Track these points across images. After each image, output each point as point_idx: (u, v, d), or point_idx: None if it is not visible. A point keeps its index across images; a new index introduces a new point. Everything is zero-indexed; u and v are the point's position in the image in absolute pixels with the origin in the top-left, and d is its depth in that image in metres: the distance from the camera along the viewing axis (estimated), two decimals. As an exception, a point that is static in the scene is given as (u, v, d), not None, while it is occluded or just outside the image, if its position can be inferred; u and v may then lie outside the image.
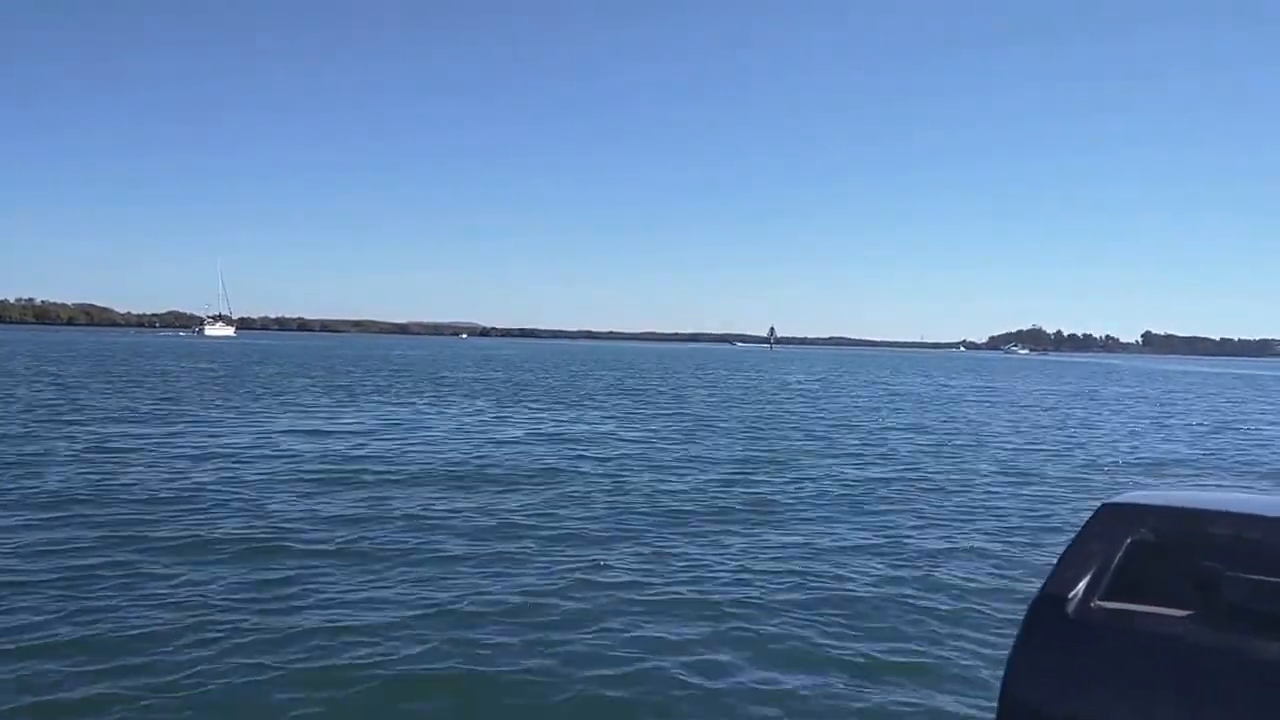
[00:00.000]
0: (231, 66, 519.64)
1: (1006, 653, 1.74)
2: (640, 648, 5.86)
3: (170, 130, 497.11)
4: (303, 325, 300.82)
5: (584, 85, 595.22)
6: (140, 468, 12.27)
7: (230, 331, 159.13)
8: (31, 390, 25.65)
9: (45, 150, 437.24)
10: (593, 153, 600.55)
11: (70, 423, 17.60)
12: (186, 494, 10.42)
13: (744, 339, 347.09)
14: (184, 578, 7.15)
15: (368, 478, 11.95)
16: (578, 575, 7.45)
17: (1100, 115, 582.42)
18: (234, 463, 12.97)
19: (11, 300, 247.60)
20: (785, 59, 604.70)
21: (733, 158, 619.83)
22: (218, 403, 23.36)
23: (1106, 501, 1.94)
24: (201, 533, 8.57)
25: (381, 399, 26.84)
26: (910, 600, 7.04)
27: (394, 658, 5.58)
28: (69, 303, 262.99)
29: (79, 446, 14.08)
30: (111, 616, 6.20)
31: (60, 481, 11.00)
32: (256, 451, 14.19)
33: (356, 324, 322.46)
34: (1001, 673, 1.73)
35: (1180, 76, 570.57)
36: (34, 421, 17.56)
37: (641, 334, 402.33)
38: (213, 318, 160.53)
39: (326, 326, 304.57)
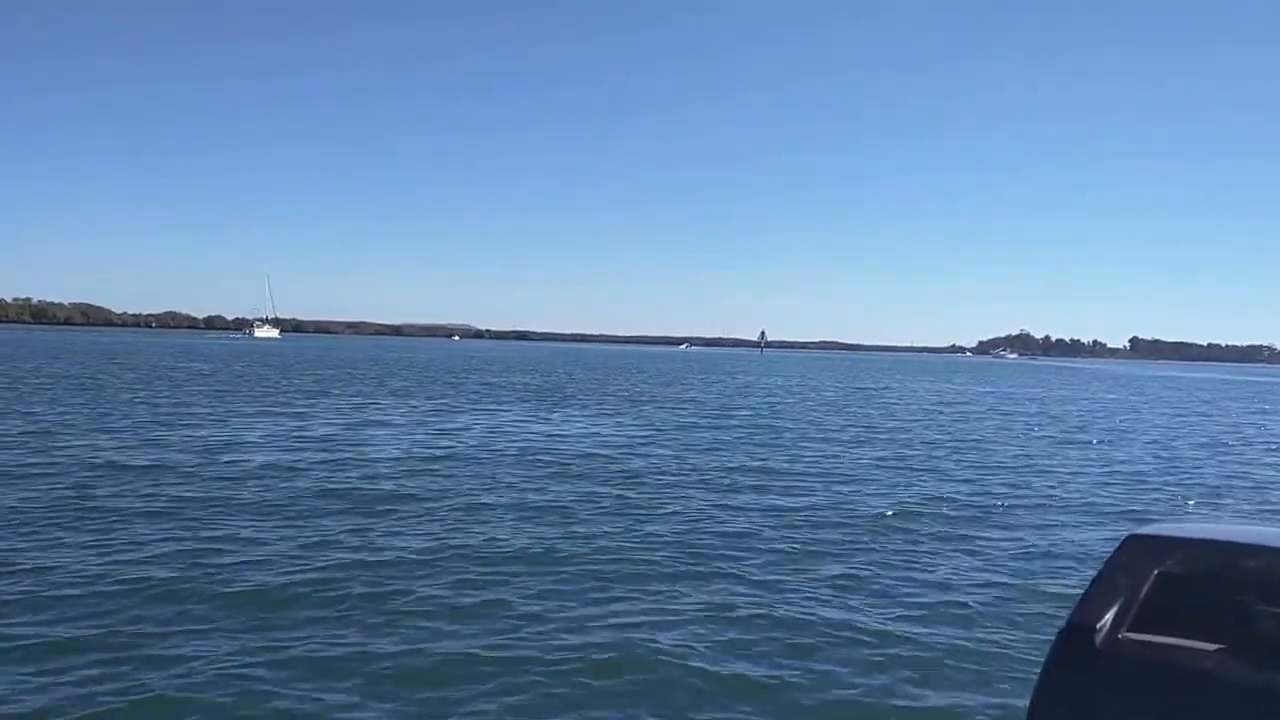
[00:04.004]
0: (224, 67, 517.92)
1: (1032, 682, 1.76)
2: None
3: (162, 129, 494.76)
4: (297, 326, 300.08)
5: (576, 87, 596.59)
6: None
7: (276, 334, 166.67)
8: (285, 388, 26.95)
9: (41, 147, 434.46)
10: (584, 154, 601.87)
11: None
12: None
13: (737, 342, 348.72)
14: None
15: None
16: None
17: (1089, 121, 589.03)
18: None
19: (9, 300, 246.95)
20: (777, 63, 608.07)
21: (724, 161, 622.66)
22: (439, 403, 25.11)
23: (1131, 533, 1.96)
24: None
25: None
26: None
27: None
28: (65, 302, 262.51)
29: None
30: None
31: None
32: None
33: (350, 325, 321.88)
34: (1026, 703, 1.75)
35: (1171, 84, 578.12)
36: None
37: (634, 337, 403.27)
38: (261, 321, 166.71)
39: (321, 328, 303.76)
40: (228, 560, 8.03)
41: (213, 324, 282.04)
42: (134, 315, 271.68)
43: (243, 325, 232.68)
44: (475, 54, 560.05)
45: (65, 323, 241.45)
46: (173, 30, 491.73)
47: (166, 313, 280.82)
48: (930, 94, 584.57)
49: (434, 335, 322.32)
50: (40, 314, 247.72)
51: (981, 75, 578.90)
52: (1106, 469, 16.98)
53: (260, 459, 14.20)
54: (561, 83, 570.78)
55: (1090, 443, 22.04)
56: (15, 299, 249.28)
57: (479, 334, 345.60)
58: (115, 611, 6.54)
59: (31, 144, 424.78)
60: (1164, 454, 20.09)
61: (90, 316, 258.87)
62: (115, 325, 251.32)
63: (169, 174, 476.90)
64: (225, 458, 14.21)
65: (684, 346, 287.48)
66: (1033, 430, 25.19)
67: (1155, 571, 1.81)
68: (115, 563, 7.79)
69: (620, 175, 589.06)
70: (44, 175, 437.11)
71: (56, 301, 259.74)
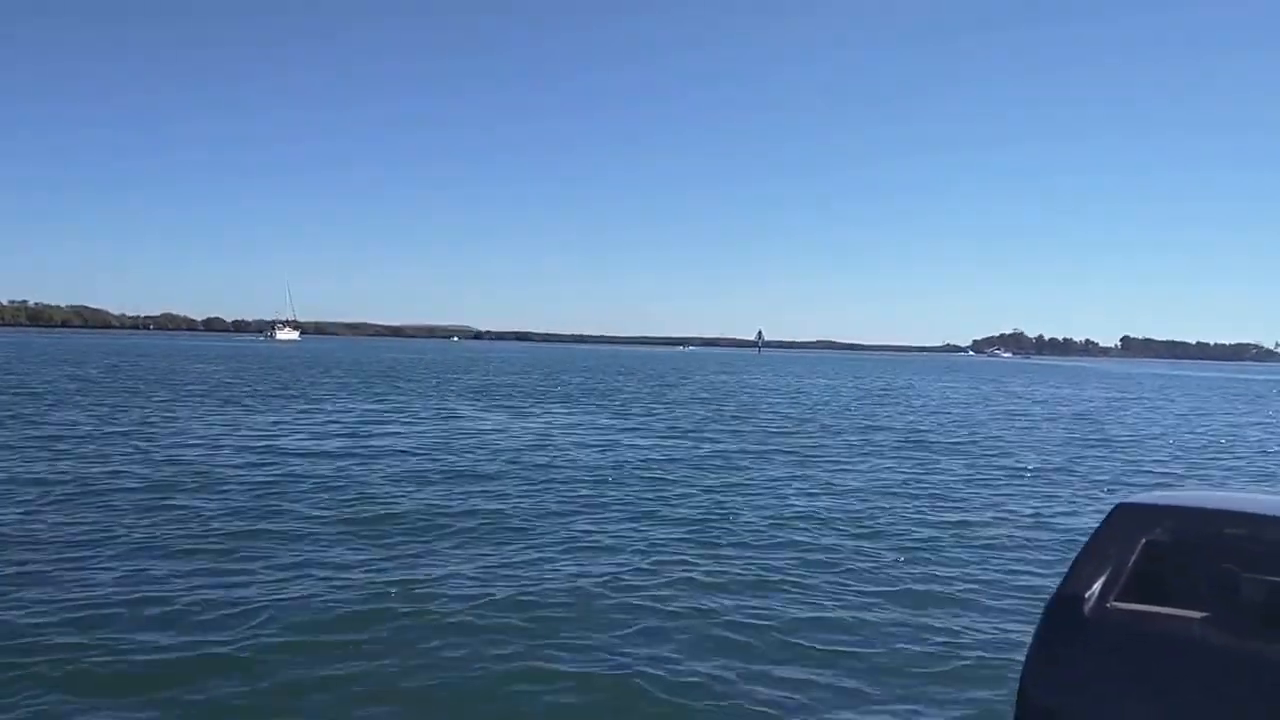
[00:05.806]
0: (223, 68, 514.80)
1: (1023, 653, 1.76)
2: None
3: (158, 131, 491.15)
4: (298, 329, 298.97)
5: (574, 88, 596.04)
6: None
7: (296, 336, 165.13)
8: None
9: (35, 150, 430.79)
10: (581, 153, 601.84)
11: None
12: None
13: (734, 343, 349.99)
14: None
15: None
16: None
17: (1083, 119, 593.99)
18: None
19: (4, 303, 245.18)
20: (772, 58, 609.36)
21: (723, 160, 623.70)
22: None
23: (1120, 502, 1.97)
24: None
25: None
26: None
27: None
28: (62, 304, 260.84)
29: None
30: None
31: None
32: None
33: (350, 326, 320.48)
34: (1018, 673, 1.75)
35: (1166, 86, 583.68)
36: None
37: (634, 338, 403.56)
38: (281, 323, 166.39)
39: (321, 329, 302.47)
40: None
41: (211, 326, 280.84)
42: (131, 317, 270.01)
43: (242, 327, 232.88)
44: (466, 51, 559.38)
45: (63, 325, 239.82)
46: (171, 32, 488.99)
47: (164, 314, 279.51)
48: (928, 92, 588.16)
49: (434, 336, 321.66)
50: (37, 316, 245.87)
51: (978, 75, 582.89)
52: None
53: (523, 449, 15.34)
54: (560, 83, 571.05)
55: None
56: (11, 302, 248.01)
57: (478, 335, 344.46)
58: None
59: (29, 147, 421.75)
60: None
61: (87, 318, 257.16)
62: (113, 327, 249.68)
63: (164, 176, 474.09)
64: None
65: (685, 348, 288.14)
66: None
67: (1143, 540, 1.83)
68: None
69: (617, 175, 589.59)
70: (41, 179, 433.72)
71: (53, 304, 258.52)
